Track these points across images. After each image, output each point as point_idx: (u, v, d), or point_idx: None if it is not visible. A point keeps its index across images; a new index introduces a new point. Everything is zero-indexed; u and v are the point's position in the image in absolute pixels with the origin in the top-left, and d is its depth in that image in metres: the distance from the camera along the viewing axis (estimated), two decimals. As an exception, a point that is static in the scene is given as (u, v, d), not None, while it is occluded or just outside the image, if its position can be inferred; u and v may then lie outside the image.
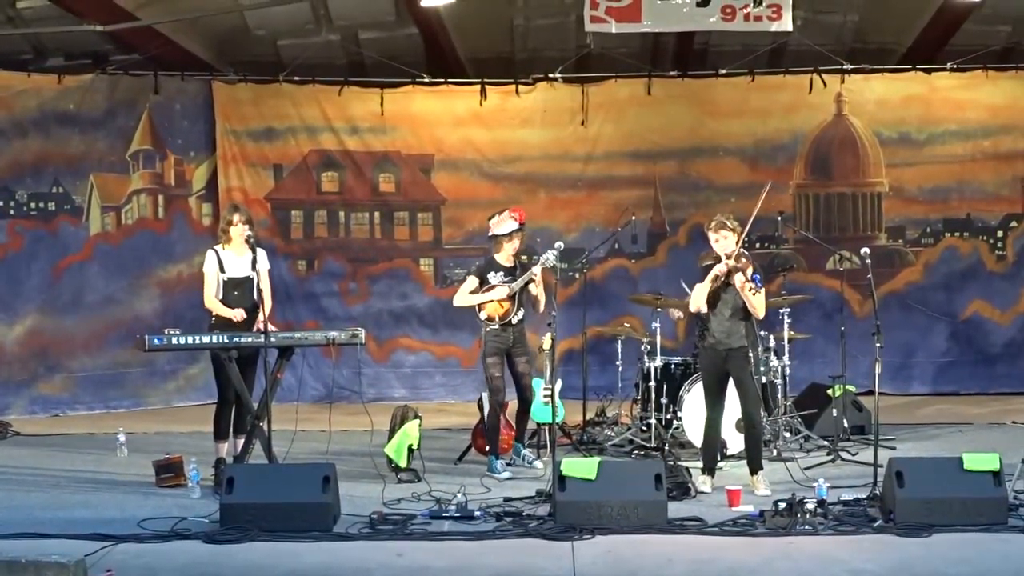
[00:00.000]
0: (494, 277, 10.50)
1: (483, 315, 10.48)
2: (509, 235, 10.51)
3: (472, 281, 10.58)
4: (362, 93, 15.30)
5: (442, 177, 15.55)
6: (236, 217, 10.00)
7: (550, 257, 10.20)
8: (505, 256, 10.57)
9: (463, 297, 10.59)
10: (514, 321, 10.48)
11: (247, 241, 9.95)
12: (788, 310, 11.79)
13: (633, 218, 13.23)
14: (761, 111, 15.29)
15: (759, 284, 9.35)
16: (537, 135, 15.44)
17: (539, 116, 15.40)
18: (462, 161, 15.50)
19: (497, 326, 10.43)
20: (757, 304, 9.42)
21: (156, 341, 9.56)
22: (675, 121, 15.33)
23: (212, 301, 9.96)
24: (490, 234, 10.65)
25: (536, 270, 10.36)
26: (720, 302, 9.57)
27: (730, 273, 9.45)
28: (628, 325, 12.44)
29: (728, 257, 9.44)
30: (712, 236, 9.59)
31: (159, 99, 14.93)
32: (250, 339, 9.68)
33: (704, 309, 9.62)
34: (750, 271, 9.37)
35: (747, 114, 15.30)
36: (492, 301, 10.42)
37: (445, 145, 15.51)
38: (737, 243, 9.50)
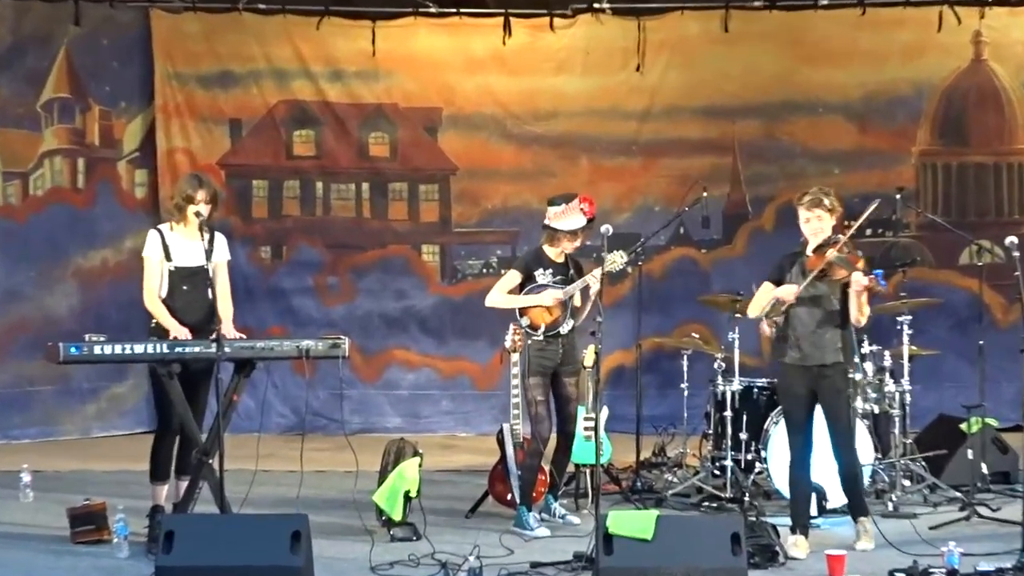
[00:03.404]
0: (542, 275, 10.50)
1: (525, 322, 10.47)
2: (573, 232, 10.51)
3: (513, 277, 10.59)
4: (348, 27, 15.35)
5: (452, 138, 15.61)
6: (201, 194, 9.85)
7: (617, 260, 10.27)
8: (558, 251, 10.56)
9: (499, 297, 10.60)
10: (563, 332, 10.47)
11: (199, 223, 9.81)
12: (909, 318, 11.73)
13: (704, 194, 13.15)
14: (874, 55, 15.30)
15: (884, 284, 9.27)
16: (577, 84, 15.49)
17: (580, 59, 15.45)
18: (478, 117, 15.56)
19: (542, 337, 10.42)
20: (867, 310, 9.39)
21: (73, 350, 9.51)
22: (760, 67, 15.36)
23: (155, 303, 9.82)
24: (548, 223, 10.58)
25: (596, 275, 10.26)
26: (808, 303, 9.51)
27: (830, 268, 9.37)
28: (696, 336, 12.47)
29: (824, 247, 9.38)
30: (803, 214, 9.57)
31: (80, 32, 14.98)
32: (198, 349, 9.62)
33: (758, 315, 9.69)
34: (861, 264, 9.29)
35: (855, 59, 15.32)
36: (537, 307, 10.43)
37: (456, 96, 15.57)
38: (839, 230, 9.48)
